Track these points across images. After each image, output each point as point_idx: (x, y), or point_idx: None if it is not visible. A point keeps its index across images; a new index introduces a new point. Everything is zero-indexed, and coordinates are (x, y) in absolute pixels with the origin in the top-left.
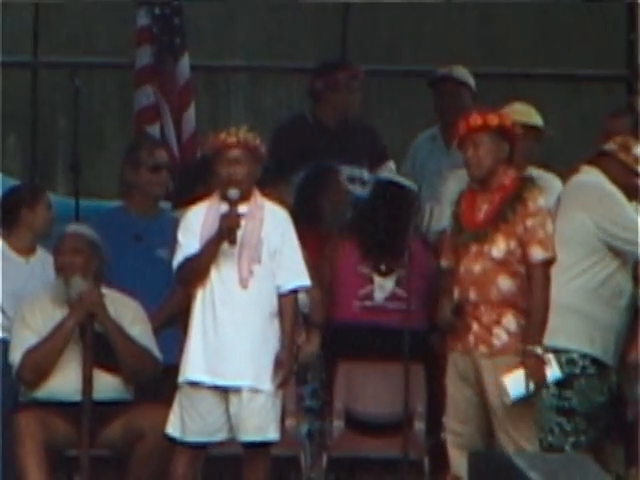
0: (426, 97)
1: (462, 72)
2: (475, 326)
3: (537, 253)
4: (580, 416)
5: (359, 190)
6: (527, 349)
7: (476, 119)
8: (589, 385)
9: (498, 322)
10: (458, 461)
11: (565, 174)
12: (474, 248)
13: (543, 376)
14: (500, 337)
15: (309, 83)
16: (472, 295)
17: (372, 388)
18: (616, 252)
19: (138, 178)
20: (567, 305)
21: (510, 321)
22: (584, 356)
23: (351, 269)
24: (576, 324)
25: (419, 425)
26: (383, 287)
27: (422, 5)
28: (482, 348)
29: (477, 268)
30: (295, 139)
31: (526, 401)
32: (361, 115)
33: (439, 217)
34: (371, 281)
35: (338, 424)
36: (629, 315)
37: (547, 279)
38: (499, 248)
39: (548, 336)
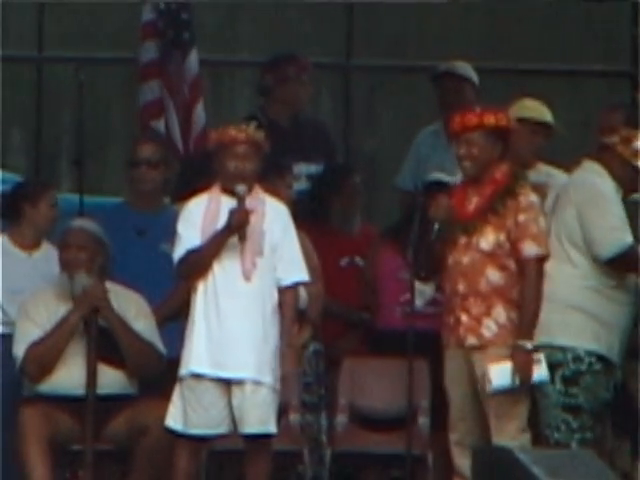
0: (430, 92)
1: (464, 67)
2: (464, 318)
3: (530, 248)
4: (586, 413)
5: (303, 185)
6: (517, 343)
7: (471, 118)
8: (595, 382)
9: (488, 314)
10: (461, 460)
11: (569, 170)
12: (463, 240)
13: (530, 372)
14: (490, 328)
15: (259, 79)
16: (461, 287)
17: (376, 383)
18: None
19: (128, 174)
20: (571, 303)
21: (500, 313)
22: (590, 353)
23: (392, 275)
24: (581, 322)
25: (423, 420)
26: (423, 293)
27: (427, 1)
28: (471, 339)
29: (466, 260)
30: None
31: (511, 395)
32: (365, 109)
33: None
34: (411, 287)
35: (342, 419)
36: (633, 310)
37: (540, 275)
38: (488, 240)
39: (554, 334)
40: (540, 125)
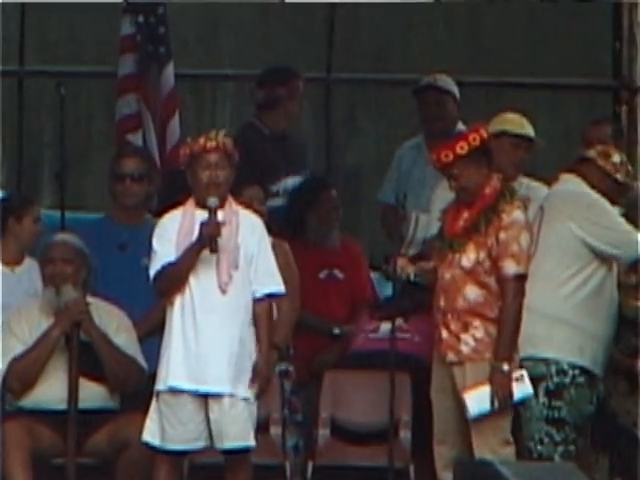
0: (411, 106)
1: (446, 81)
2: (445, 334)
3: (510, 267)
4: (570, 426)
5: (279, 202)
6: (494, 365)
7: (447, 154)
8: (579, 395)
9: (465, 330)
10: (444, 473)
11: (550, 183)
12: (449, 256)
13: (508, 394)
14: (468, 343)
15: (267, 91)
16: (442, 303)
17: (358, 397)
18: (603, 259)
19: (110, 188)
20: (556, 316)
21: (478, 328)
22: (574, 366)
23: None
24: (565, 335)
25: (405, 434)
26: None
27: (410, 14)
28: (450, 355)
29: (447, 276)
30: (258, 147)
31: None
32: (347, 123)
33: (425, 226)
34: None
35: (324, 433)
36: (616, 324)
37: (519, 294)
38: (469, 258)
39: (538, 347)
40: (522, 138)
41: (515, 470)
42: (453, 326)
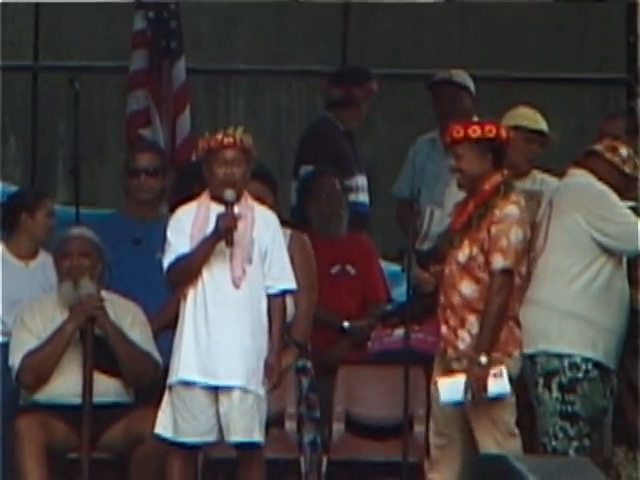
0: (426, 100)
1: (461, 76)
2: (444, 329)
3: (497, 261)
4: (584, 420)
5: (361, 198)
6: (472, 357)
7: (458, 130)
8: (592, 389)
9: (462, 325)
10: (438, 462)
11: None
12: (450, 252)
13: (483, 387)
14: (464, 340)
15: (344, 89)
16: (442, 298)
17: (372, 391)
18: (611, 252)
19: (125, 183)
20: (568, 311)
21: (473, 324)
22: (587, 360)
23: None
24: (578, 329)
25: (419, 428)
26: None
27: (423, 11)
28: (450, 351)
29: (447, 271)
30: (337, 142)
31: (496, 401)
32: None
33: (439, 220)
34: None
35: (338, 427)
36: (628, 316)
37: (503, 288)
38: (464, 253)
39: (551, 342)
40: (535, 133)
41: (530, 465)
42: (452, 321)
